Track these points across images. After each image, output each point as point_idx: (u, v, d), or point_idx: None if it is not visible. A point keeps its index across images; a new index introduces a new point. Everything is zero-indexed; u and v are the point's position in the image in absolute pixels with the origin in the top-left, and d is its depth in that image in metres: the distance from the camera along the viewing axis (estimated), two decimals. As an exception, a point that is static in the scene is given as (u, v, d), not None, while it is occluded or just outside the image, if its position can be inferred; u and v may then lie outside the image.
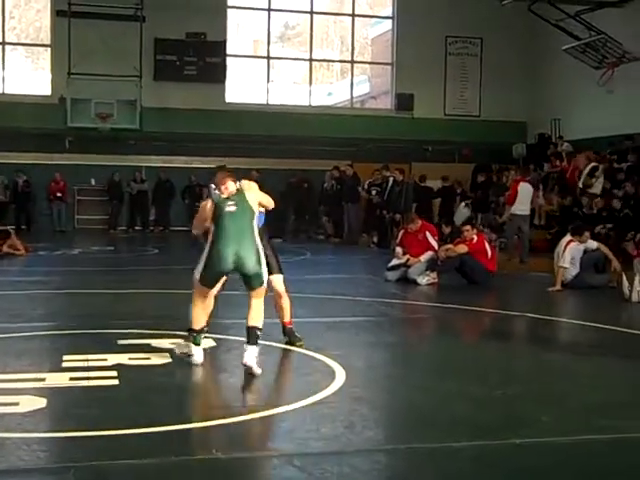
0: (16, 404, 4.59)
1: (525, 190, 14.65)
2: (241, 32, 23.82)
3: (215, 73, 21.61)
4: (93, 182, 21.18)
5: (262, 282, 5.81)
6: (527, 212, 14.75)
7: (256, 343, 5.65)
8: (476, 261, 11.11)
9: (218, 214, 5.70)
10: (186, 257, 15.97)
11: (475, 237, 11.32)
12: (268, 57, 22.96)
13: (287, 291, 6.76)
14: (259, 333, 5.72)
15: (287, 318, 6.77)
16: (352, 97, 23.57)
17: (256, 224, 5.86)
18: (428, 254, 11.39)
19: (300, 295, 9.83)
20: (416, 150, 21.85)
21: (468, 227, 11.52)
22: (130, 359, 5.81)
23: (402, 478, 3.92)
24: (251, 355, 5.56)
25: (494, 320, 8.84)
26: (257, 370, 5.49)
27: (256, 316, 5.79)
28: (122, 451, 3.98)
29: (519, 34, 22.21)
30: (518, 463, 4.00)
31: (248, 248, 5.71)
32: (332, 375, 5.57)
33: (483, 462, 4.01)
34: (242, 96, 22.44)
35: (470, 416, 4.75)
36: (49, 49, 21.49)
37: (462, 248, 11.18)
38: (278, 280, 6.68)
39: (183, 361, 5.93)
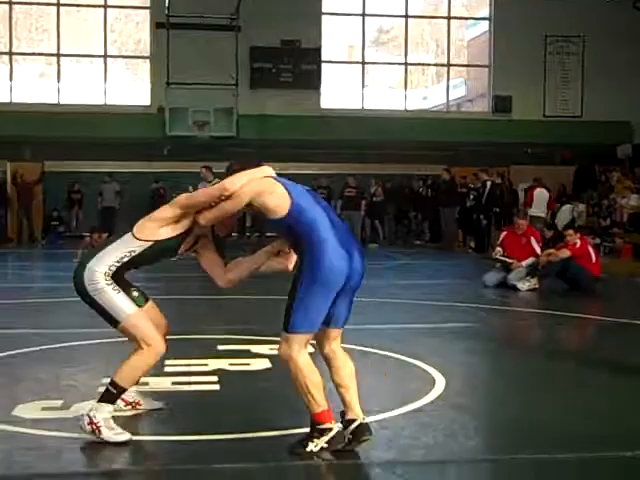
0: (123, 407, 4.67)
1: (541, 195, 17.28)
2: (335, 38, 23.88)
3: (310, 79, 21.76)
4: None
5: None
6: (543, 214, 17.21)
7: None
8: (579, 266, 10.78)
9: None
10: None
11: (578, 241, 11.00)
12: (363, 62, 22.97)
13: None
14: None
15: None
16: (448, 100, 23.33)
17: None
18: (530, 259, 11.15)
19: (397, 301, 9.79)
20: (515, 153, 21.44)
21: (570, 231, 11.21)
22: (231, 364, 5.84)
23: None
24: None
25: (599, 328, 8.54)
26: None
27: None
28: (223, 456, 3.99)
29: (623, 31, 21.54)
30: (629, 476, 3.82)
31: None
32: (431, 382, 5.46)
33: (590, 474, 3.84)
34: (337, 102, 22.51)
35: (574, 427, 4.56)
36: (148, 60, 22.09)
37: (564, 253, 10.88)
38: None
39: (284, 367, 5.91)
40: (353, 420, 4.09)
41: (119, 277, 4.23)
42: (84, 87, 22.24)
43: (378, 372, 6.02)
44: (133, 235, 4.23)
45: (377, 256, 16.57)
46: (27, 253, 18.17)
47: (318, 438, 3.99)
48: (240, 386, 5.38)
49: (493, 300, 10.09)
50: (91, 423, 4.08)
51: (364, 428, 4.08)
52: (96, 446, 4.09)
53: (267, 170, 4.21)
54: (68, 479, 3.71)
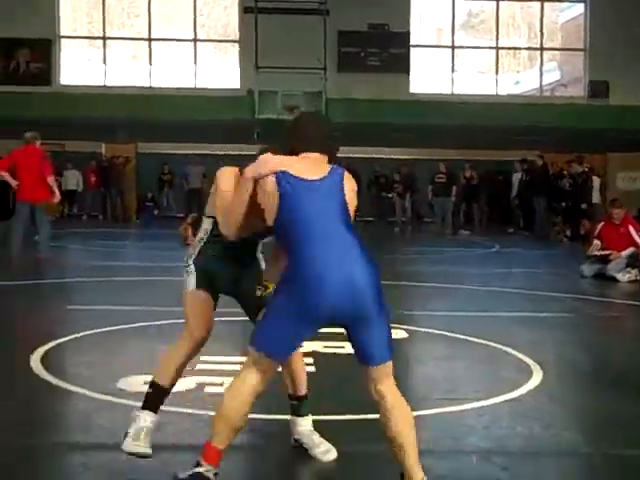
0: (221, 384, 4.76)
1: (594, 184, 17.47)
2: (424, 21, 23.62)
3: (398, 63, 21.63)
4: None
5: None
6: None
7: None
8: (684, 258, 10.40)
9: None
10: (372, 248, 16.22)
11: (682, 233, 10.62)
12: (452, 47, 22.67)
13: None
14: None
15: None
16: (541, 85, 22.82)
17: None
18: (629, 250, 10.80)
19: (489, 289, 9.65)
20: (612, 139, 20.79)
21: (673, 221, 10.82)
22: (325, 347, 5.85)
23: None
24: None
25: None
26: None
27: None
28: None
29: None
30: None
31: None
32: (528, 372, 5.38)
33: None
34: (426, 86, 22.28)
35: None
36: (237, 44, 22.28)
37: (668, 243, 10.52)
38: None
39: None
40: None
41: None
42: (175, 70, 22.61)
43: (473, 359, 5.96)
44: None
45: (470, 243, 16.40)
46: (123, 232, 18.64)
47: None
48: (335, 368, 5.39)
49: (591, 291, 9.84)
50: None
51: None
52: (195, 420, 4.17)
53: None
54: (171, 451, 3.78)
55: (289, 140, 3.43)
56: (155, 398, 3.71)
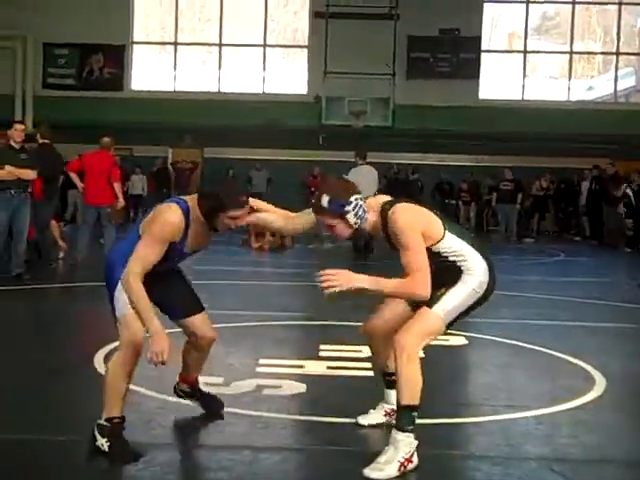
0: (279, 387, 4.83)
1: None
2: (495, 26, 23.37)
3: (469, 69, 21.45)
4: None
5: None
6: None
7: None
8: None
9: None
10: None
11: None
12: (525, 51, 22.37)
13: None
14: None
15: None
16: (616, 91, 22.31)
17: None
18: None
19: (555, 298, 9.49)
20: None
21: None
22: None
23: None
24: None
25: None
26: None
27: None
28: (372, 440, 4.03)
29: None
30: None
31: None
32: (591, 382, 5.28)
33: None
34: (496, 92, 22.03)
35: None
36: (305, 49, 22.37)
37: None
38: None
39: (426, 357, 5.84)
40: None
41: None
42: (243, 75, 22.81)
43: (534, 367, 5.88)
44: None
45: (534, 251, 16.15)
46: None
47: None
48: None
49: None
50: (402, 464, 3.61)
51: None
52: (253, 422, 4.21)
53: None
54: (229, 451, 3.82)
55: None
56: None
